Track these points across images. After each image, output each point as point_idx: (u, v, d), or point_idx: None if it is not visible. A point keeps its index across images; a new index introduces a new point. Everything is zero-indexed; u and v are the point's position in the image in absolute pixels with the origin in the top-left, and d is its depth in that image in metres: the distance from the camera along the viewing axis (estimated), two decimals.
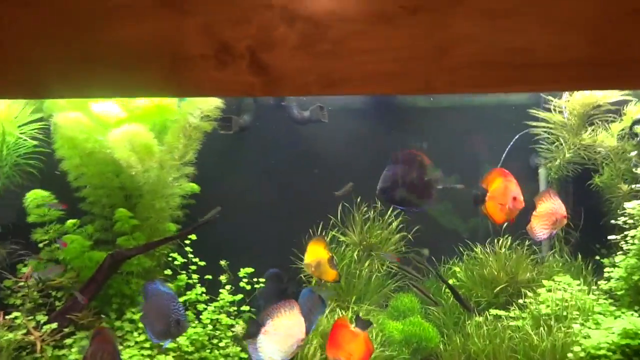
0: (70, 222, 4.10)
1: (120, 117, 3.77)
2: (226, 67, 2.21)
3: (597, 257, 4.70)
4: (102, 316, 3.79)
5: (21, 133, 4.11)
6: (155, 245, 4.09)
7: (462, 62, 2.29)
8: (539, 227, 3.71)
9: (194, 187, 4.47)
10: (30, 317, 3.77)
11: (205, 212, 4.56)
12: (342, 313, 4.39)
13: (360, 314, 4.28)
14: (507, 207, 3.59)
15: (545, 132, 5.12)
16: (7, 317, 3.71)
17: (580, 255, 4.88)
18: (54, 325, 3.77)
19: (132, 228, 4.06)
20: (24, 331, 3.73)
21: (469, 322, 4.29)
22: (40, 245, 4.08)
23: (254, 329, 3.14)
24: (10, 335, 3.59)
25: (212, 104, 3.97)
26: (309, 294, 3.47)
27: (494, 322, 4.22)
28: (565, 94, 5.02)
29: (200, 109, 3.89)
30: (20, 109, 4.11)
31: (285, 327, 3.14)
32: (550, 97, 5.08)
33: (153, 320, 3.15)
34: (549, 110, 5.13)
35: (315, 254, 3.68)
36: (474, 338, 4.10)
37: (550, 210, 3.70)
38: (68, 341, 3.82)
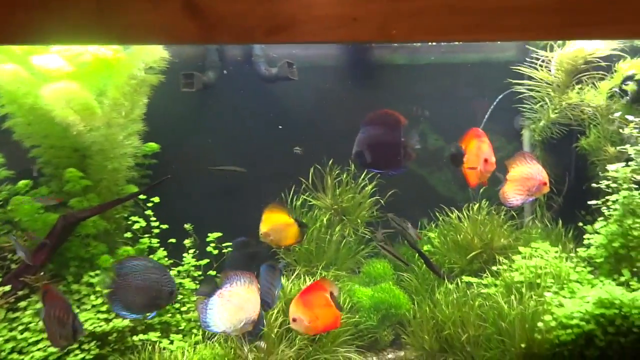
0: (22, 182, 3.96)
1: (65, 71, 3.54)
2: (158, 9, 1.95)
3: (581, 224, 4.46)
4: (42, 274, 3.66)
5: None
6: (109, 207, 3.94)
7: (422, 6, 2.01)
8: (511, 193, 3.48)
9: (154, 146, 4.27)
10: None
11: (166, 174, 4.38)
12: (308, 279, 4.24)
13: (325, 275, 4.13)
14: (479, 169, 3.41)
15: (530, 90, 4.79)
16: None
17: (561, 222, 4.64)
18: (7, 288, 3.70)
19: (85, 189, 3.90)
20: None
21: (438, 289, 4.13)
22: None
23: (210, 288, 2.98)
24: None
25: (157, 54, 3.71)
26: (268, 268, 3.32)
27: (464, 290, 4.04)
28: (557, 48, 4.66)
29: (144, 61, 3.63)
30: None
31: (240, 298, 2.97)
32: (536, 52, 4.73)
33: (137, 295, 3.01)
34: (534, 67, 4.79)
35: (271, 221, 3.50)
36: (441, 305, 3.93)
37: (525, 175, 3.46)
38: (22, 304, 3.75)
